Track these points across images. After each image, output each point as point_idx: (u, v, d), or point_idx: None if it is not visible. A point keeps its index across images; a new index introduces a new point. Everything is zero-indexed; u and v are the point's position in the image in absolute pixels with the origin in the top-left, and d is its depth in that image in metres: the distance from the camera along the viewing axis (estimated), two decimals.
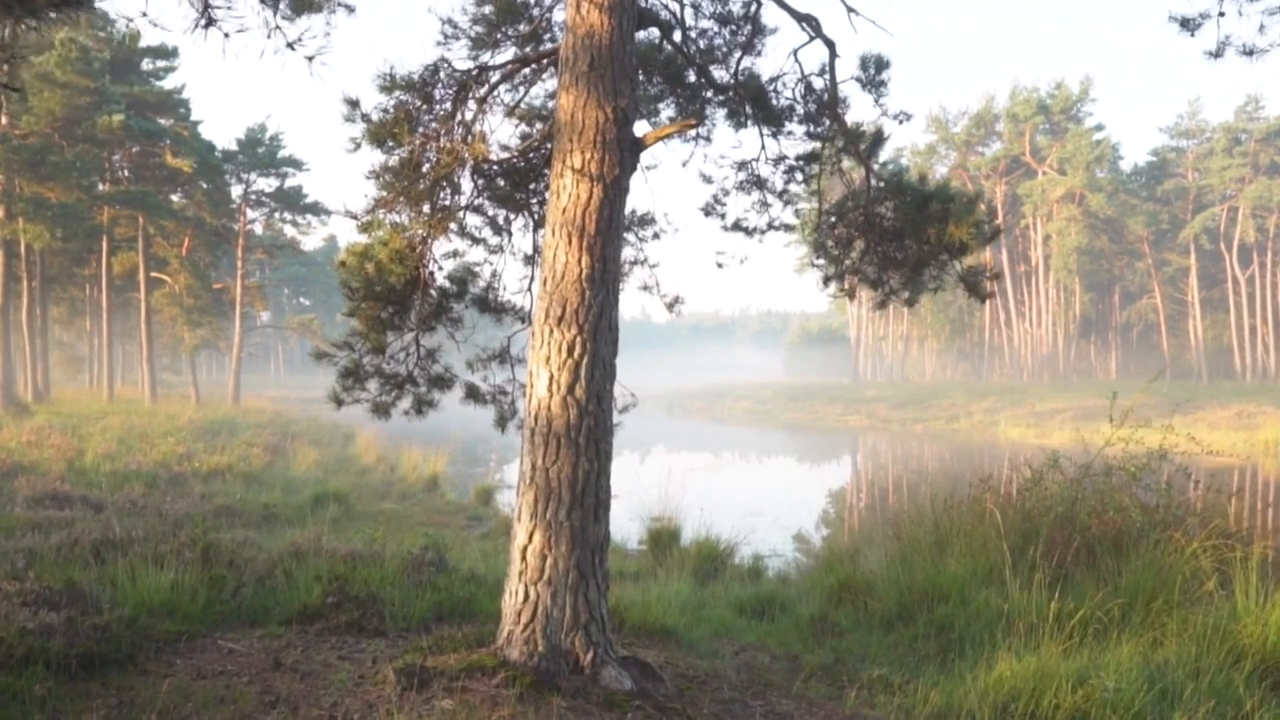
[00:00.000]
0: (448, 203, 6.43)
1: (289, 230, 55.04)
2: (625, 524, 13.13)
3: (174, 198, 40.00)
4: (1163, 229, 67.65)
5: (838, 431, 50.98)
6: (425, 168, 5.89)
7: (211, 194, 39.11)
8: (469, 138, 5.92)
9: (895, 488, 24.41)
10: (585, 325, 4.93)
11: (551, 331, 4.96)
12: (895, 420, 53.30)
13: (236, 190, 44.00)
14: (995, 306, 75.04)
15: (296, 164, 44.14)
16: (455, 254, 6.81)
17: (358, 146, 5.89)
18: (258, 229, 50.64)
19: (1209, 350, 66.17)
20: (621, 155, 5.07)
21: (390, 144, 5.79)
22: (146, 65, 39.73)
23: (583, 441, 4.88)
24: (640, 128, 5.64)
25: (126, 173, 39.07)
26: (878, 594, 7.56)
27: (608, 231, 5.02)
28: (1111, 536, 7.66)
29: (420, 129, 5.90)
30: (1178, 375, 63.57)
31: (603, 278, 5.00)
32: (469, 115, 6.04)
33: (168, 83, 40.50)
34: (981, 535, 7.95)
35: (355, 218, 6.00)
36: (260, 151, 43.21)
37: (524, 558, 4.93)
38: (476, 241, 7.10)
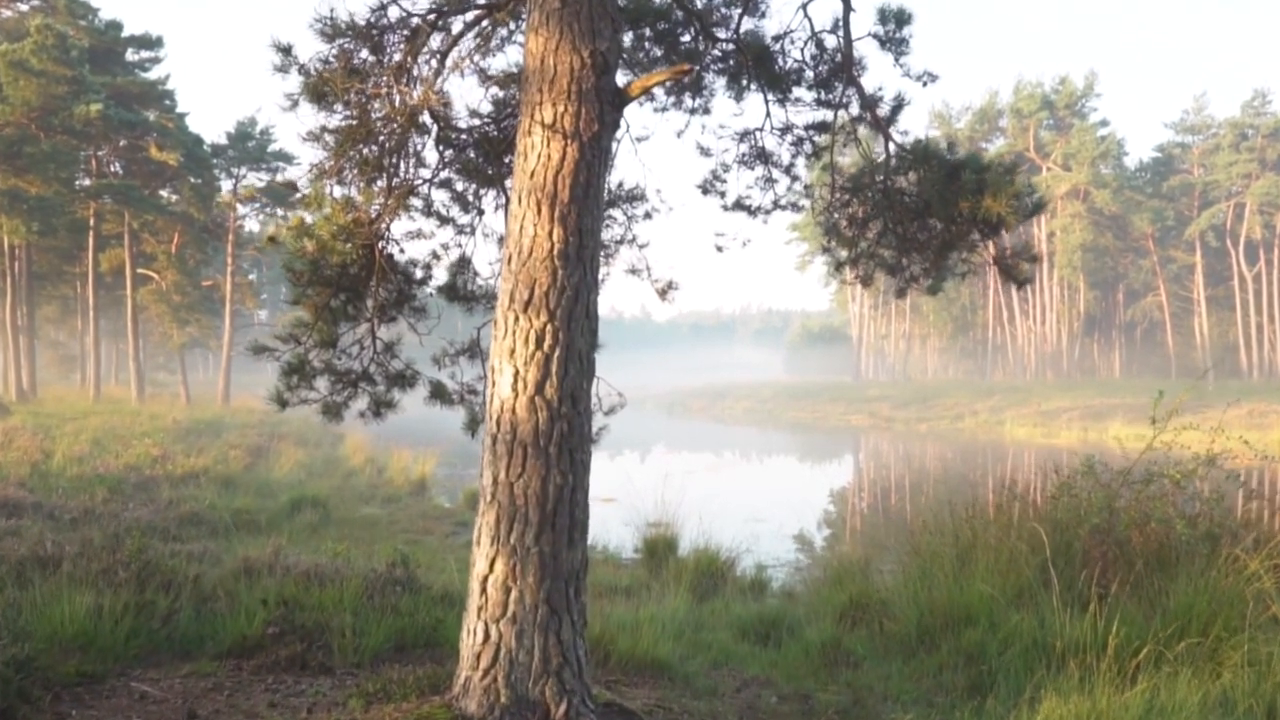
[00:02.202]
0: (408, 175, 5.61)
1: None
2: (619, 531, 12.37)
3: (162, 193, 39.08)
4: (1168, 225, 66.81)
5: (840, 431, 50.23)
6: (378, 128, 5.07)
7: (200, 189, 38.17)
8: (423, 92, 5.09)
9: (903, 491, 23.59)
10: (557, 311, 4.10)
11: (517, 319, 4.13)
12: (899, 419, 52.54)
13: (227, 185, 43.16)
14: (998, 304, 74.29)
15: (288, 158, 43.24)
16: (419, 234, 5.97)
17: (295, 104, 5.06)
18: (254, 225, 49.83)
19: (1214, 348, 65.32)
20: (601, 109, 4.25)
21: (331, 99, 4.98)
22: (131, 56, 38.76)
23: (554, 451, 4.06)
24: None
25: (116, 168, 38.18)
26: (894, 614, 6.82)
27: (584, 200, 4.19)
28: (1154, 551, 6.89)
29: (371, 82, 5.06)
30: (1182, 373, 62.74)
31: (579, 254, 4.17)
32: (428, 71, 5.21)
33: (152, 74, 39.59)
34: (1009, 549, 7.16)
35: (294, 187, 5.18)
36: (250, 145, 42.29)
37: (484, 590, 4.11)
38: (444, 220, 6.24)
